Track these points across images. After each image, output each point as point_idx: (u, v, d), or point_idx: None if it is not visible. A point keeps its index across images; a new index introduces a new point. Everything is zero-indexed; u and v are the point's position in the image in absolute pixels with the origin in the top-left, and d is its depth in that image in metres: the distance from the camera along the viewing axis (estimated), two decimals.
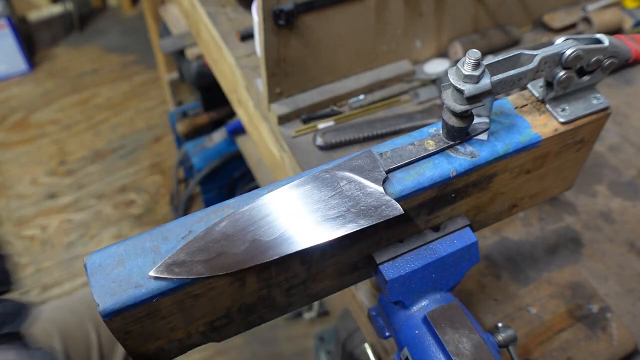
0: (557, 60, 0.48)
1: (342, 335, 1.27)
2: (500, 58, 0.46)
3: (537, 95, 0.53)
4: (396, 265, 0.51)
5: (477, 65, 0.42)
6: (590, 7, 1.11)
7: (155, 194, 2.19)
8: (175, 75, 2.06)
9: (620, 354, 0.73)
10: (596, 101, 0.53)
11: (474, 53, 0.42)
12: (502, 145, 0.50)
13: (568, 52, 0.47)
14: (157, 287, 0.40)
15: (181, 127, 1.86)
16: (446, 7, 0.97)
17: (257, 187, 0.46)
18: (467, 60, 0.42)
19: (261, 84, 0.92)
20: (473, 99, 0.44)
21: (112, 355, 0.85)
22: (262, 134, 1.00)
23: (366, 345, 0.79)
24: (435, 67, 1.02)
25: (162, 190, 2.20)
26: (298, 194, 0.44)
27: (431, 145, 0.49)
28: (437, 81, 0.99)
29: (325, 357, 1.49)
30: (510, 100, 0.54)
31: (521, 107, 0.53)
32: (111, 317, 0.40)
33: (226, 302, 0.45)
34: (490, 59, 0.46)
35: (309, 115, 0.93)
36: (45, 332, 0.83)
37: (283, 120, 0.93)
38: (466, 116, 0.46)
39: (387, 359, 0.77)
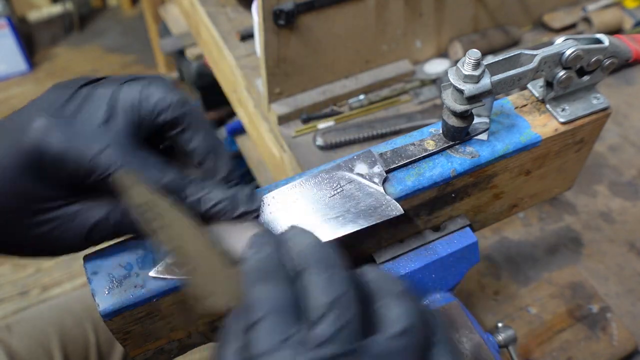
0: (557, 60, 0.48)
1: None
2: (500, 58, 0.46)
3: (537, 95, 0.53)
4: (396, 266, 0.51)
5: (477, 65, 0.42)
6: (590, 7, 1.11)
7: None
8: (175, 75, 2.06)
9: (620, 354, 0.73)
10: (596, 101, 0.53)
11: (474, 53, 0.42)
12: (502, 145, 0.50)
13: (568, 52, 0.47)
14: (157, 287, 0.40)
15: None
16: (446, 7, 0.97)
17: (257, 187, 0.46)
18: (467, 60, 0.42)
19: (261, 84, 0.92)
20: (473, 99, 0.44)
21: (110, 354, 0.85)
22: (262, 134, 1.00)
23: None
24: (435, 67, 1.02)
25: None
26: (298, 194, 0.44)
27: (431, 145, 0.49)
28: (437, 81, 0.99)
29: None
30: (510, 100, 0.54)
31: (521, 107, 0.53)
32: (111, 317, 0.40)
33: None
34: (490, 59, 0.46)
35: (309, 115, 0.93)
36: (42, 332, 0.83)
37: (283, 120, 0.93)
38: (466, 116, 0.46)
39: None
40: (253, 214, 0.42)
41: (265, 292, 0.30)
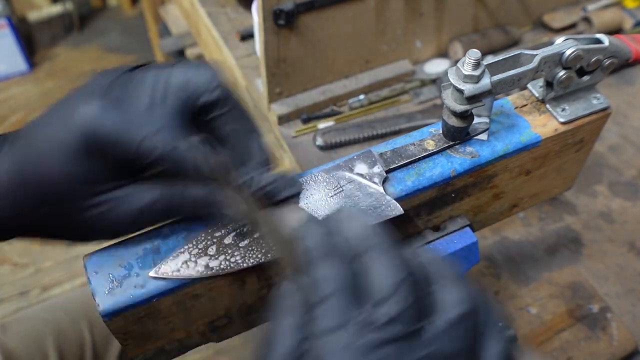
0: (557, 60, 0.47)
1: None
2: (500, 58, 0.46)
3: (537, 95, 0.53)
4: None
5: (477, 65, 0.42)
6: (590, 7, 1.11)
7: None
8: None
9: (620, 354, 0.73)
10: (596, 101, 0.53)
11: (474, 53, 0.42)
12: (502, 145, 0.50)
13: (568, 52, 0.47)
14: (157, 287, 0.40)
15: None
16: (446, 7, 0.97)
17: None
18: (467, 60, 0.42)
19: (261, 84, 0.92)
20: (473, 99, 0.44)
21: (105, 354, 0.85)
22: None
23: None
24: (435, 67, 1.02)
25: None
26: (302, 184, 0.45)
27: (431, 145, 0.49)
28: (437, 81, 0.99)
29: None
30: (510, 100, 0.54)
31: (521, 107, 0.53)
32: (111, 317, 0.40)
33: (226, 302, 0.45)
34: (490, 59, 0.46)
35: (309, 115, 0.93)
36: (38, 332, 0.83)
37: (283, 120, 0.93)
38: (466, 116, 0.46)
39: None
40: (295, 198, 0.43)
41: (331, 270, 0.31)
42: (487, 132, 0.50)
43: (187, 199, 0.40)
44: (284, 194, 0.42)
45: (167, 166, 0.38)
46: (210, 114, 0.42)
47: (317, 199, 0.44)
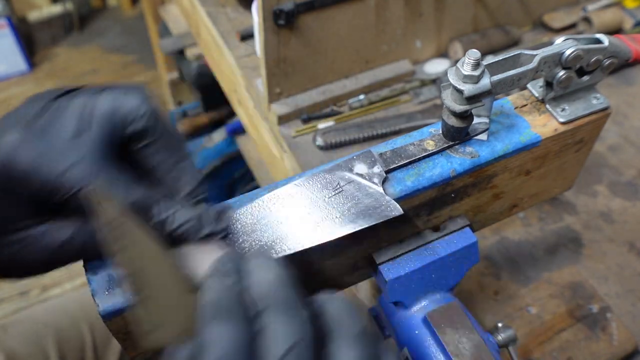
0: (557, 60, 0.47)
1: None
2: (500, 58, 0.46)
3: (537, 95, 0.53)
4: (396, 266, 0.51)
5: (476, 65, 0.42)
6: (590, 7, 1.11)
7: None
8: (175, 75, 2.06)
9: (620, 354, 0.73)
10: (596, 101, 0.53)
11: (474, 53, 0.42)
12: (501, 145, 0.50)
13: (568, 52, 0.47)
14: None
15: (181, 127, 1.86)
16: (446, 7, 0.97)
17: (257, 187, 0.46)
18: (467, 60, 0.42)
19: (261, 84, 0.92)
20: (473, 99, 0.44)
21: (106, 354, 0.85)
22: (262, 134, 1.00)
23: None
24: (435, 67, 1.02)
25: None
26: (297, 194, 0.44)
27: (431, 145, 0.49)
28: (437, 81, 0.99)
29: None
30: (510, 100, 0.54)
31: (521, 107, 0.53)
32: (111, 317, 0.40)
33: None
34: (490, 59, 0.46)
35: (309, 115, 0.93)
36: (38, 333, 0.83)
37: (283, 120, 0.93)
38: (466, 116, 0.46)
39: None
40: (219, 234, 0.40)
41: (221, 332, 0.29)
42: (486, 132, 0.50)
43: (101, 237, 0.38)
44: (205, 231, 0.39)
45: (82, 202, 0.36)
46: (139, 144, 0.39)
47: (317, 199, 0.44)
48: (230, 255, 0.34)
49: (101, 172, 0.36)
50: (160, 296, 0.34)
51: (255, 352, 0.29)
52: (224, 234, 0.40)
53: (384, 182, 0.46)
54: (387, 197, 0.45)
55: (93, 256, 0.40)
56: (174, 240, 0.39)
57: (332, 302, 0.33)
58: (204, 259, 0.37)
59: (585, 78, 0.51)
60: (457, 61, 0.53)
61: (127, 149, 0.40)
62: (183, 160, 0.41)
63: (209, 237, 0.39)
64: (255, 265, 0.33)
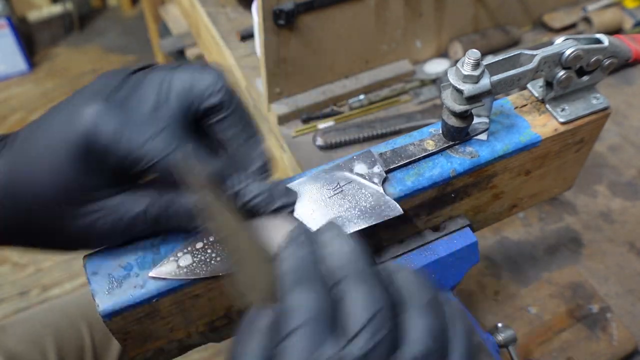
0: (557, 60, 0.47)
1: None
2: (500, 58, 0.46)
3: (537, 95, 0.53)
4: None
5: (476, 65, 0.42)
6: (590, 7, 1.11)
7: None
8: None
9: (620, 354, 0.73)
10: (596, 101, 0.53)
11: (474, 53, 0.42)
12: (501, 145, 0.50)
13: (568, 52, 0.47)
14: (157, 287, 0.40)
15: None
16: (446, 7, 0.97)
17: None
18: (467, 60, 0.42)
19: (261, 84, 0.92)
20: (472, 99, 0.44)
21: (105, 354, 0.85)
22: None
23: None
24: (435, 67, 1.02)
25: None
26: (297, 194, 0.44)
27: (431, 145, 0.49)
28: (437, 81, 0.99)
29: None
30: (510, 100, 0.54)
31: (521, 107, 0.53)
32: (111, 317, 0.40)
33: (226, 302, 0.45)
34: (490, 59, 0.46)
35: (309, 115, 0.93)
36: (38, 334, 0.83)
37: (283, 120, 0.93)
38: (466, 116, 0.46)
39: None
40: (289, 208, 0.42)
41: (304, 298, 0.30)
42: (486, 132, 0.50)
43: (175, 209, 0.39)
44: (276, 204, 0.41)
45: (161, 173, 0.37)
46: (213, 118, 0.41)
47: (317, 199, 0.44)
48: (303, 227, 0.35)
49: (180, 144, 0.38)
50: (247, 264, 0.35)
51: (336, 319, 0.30)
52: (292, 209, 0.42)
53: (384, 182, 0.46)
54: (387, 197, 0.45)
55: (164, 230, 0.41)
56: (246, 212, 0.40)
57: (401, 272, 0.33)
58: (276, 231, 0.39)
59: (585, 78, 0.51)
60: (457, 61, 0.53)
61: (200, 124, 0.41)
62: (254, 136, 0.42)
63: (279, 210, 0.41)
64: (329, 236, 0.33)
